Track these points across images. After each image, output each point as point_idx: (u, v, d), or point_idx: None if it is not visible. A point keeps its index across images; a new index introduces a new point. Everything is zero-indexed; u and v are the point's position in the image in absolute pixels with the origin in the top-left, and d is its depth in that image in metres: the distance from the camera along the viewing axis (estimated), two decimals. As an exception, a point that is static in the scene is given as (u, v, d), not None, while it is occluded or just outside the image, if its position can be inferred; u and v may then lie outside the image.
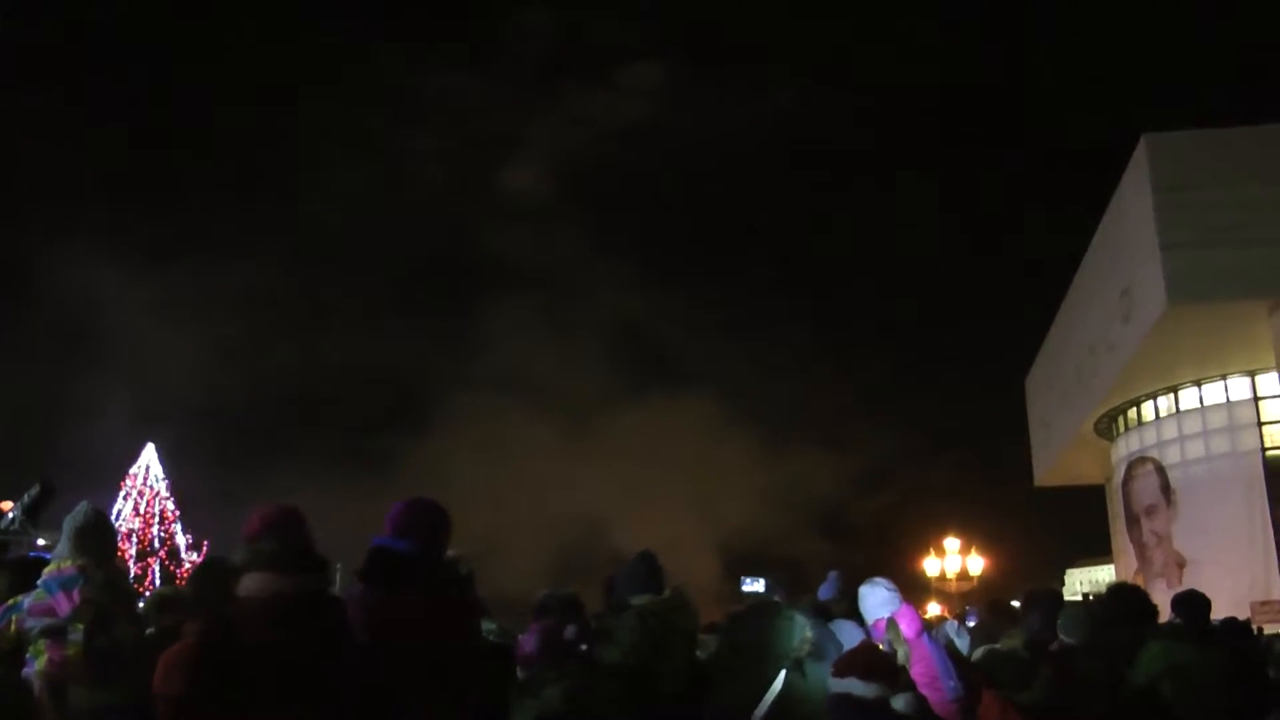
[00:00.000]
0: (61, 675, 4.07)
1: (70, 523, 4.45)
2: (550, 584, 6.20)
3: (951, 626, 5.58)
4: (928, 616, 11.47)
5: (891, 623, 5.18)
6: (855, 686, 3.88)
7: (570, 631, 4.75)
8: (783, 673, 3.97)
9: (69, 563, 4.28)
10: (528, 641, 4.44)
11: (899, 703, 3.97)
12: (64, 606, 4.14)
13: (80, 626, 4.11)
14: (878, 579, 5.49)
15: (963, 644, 5.35)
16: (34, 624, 4.13)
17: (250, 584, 3.24)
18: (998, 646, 5.76)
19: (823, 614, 5.84)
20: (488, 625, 5.78)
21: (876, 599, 5.36)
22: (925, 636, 5.19)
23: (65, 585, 4.19)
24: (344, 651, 3.48)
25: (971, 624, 8.65)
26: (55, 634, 4.10)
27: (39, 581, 4.26)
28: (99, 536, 4.47)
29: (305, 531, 3.94)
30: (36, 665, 4.09)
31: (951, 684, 4.91)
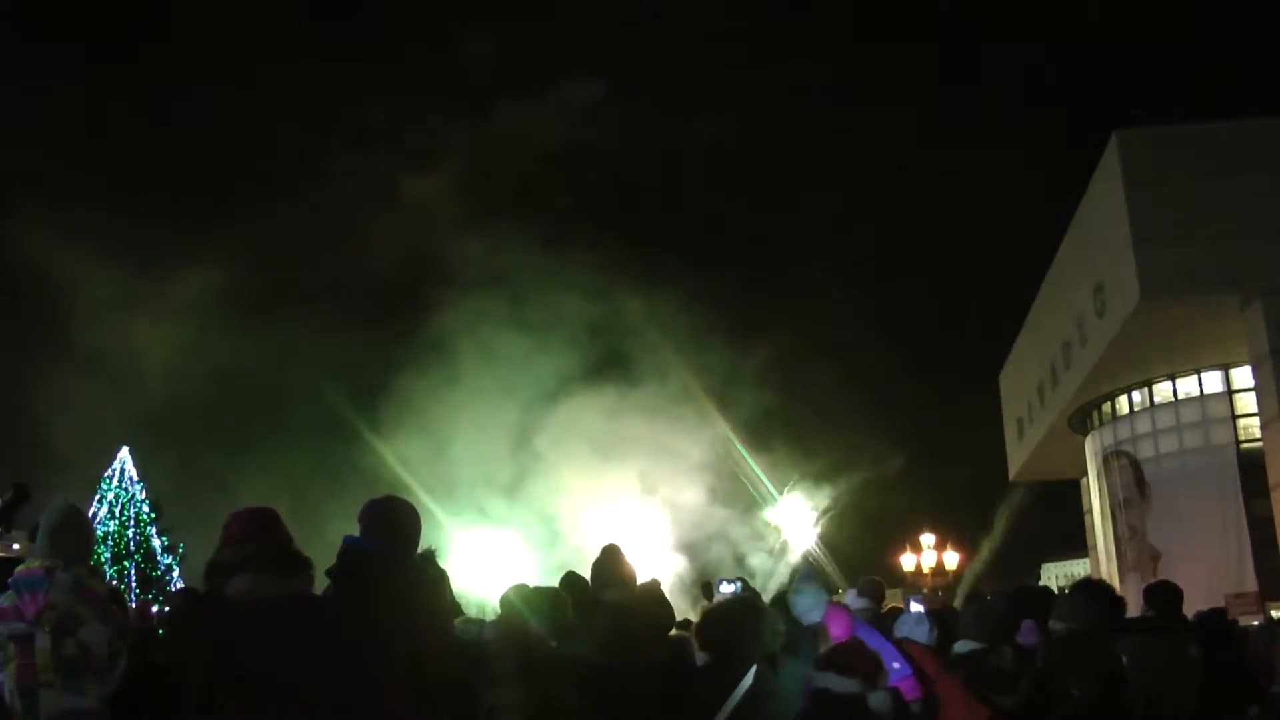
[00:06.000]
0: (31, 681, 4.01)
1: (45, 520, 4.32)
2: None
3: (912, 617, 5.59)
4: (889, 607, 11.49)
5: (820, 627, 5.17)
6: (832, 681, 3.90)
7: None
8: (753, 667, 3.97)
9: (37, 564, 4.19)
10: None
11: (875, 700, 3.99)
12: (29, 610, 4.06)
13: (46, 631, 4.03)
14: (804, 584, 5.49)
15: (922, 633, 5.36)
16: (2, 629, 4.06)
17: (237, 586, 3.22)
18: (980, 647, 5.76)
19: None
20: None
21: (803, 604, 5.34)
22: (861, 629, 5.21)
23: (31, 588, 4.10)
24: (326, 652, 3.46)
25: (917, 606, 8.69)
26: (23, 639, 4.03)
27: (9, 582, 4.17)
28: (75, 536, 4.37)
29: (283, 532, 3.90)
30: (7, 671, 4.03)
31: (896, 666, 4.94)
